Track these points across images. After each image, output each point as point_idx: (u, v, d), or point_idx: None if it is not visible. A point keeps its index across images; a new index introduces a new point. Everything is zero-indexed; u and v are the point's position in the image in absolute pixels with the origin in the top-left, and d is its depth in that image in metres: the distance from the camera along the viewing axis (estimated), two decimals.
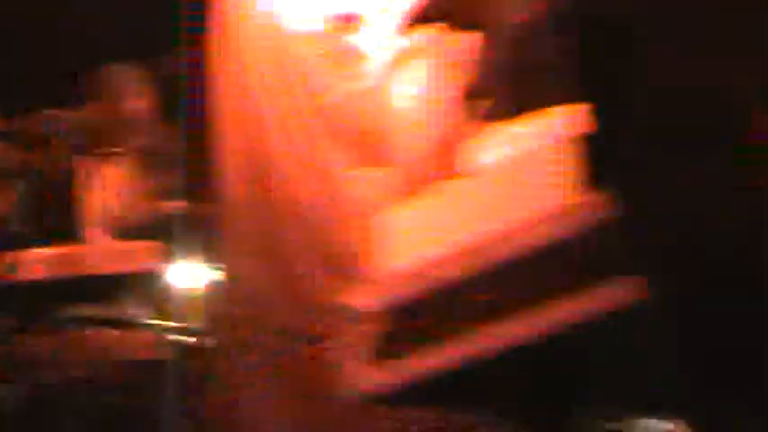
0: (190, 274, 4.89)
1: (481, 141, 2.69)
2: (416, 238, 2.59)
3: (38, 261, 4.73)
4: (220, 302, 3.36)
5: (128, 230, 5.02)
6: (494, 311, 2.38)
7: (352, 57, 2.96)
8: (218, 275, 3.81)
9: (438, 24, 2.90)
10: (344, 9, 2.98)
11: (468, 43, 2.83)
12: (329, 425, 2.90)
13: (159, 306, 5.01)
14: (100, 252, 4.81)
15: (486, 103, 2.83)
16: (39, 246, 4.87)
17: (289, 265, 3.02)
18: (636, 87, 2.32)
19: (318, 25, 3.00)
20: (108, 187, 4.89)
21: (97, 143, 4.81)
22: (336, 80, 2.98)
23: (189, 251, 4.87)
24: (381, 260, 2.76)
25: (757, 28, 2.66)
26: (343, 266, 2.92)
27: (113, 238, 4.98)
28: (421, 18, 2.91)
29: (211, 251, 4.00)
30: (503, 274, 2.37)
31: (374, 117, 2.90)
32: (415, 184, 2.80)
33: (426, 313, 2.53)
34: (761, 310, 2.37)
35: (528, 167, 2.36)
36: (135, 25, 4.46)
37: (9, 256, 4.75)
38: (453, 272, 2.45)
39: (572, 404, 2.83)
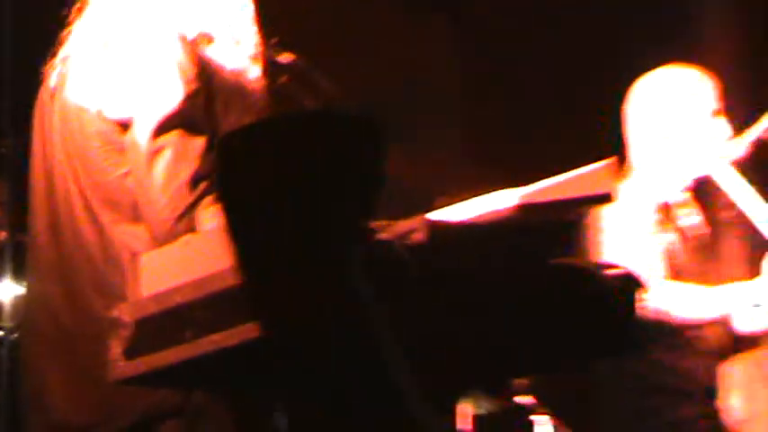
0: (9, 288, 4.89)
1: (206, 212, 2.77)
2: (162, 273, 2.61)
3: None
4: (27, 311, 3.36)
5: None
6: (207, 326, 2.45)
7: (124, 148, 3.00)
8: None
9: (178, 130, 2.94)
10: (120, 115, 2.99)
11: (198, 146, 2.92)
12: (102, 400, 2.95)
13: None
14: None
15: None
16: None
17: (74, 287, 3.03)
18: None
19: (102, 126, 3.02)
20: None
21: None
22: (111, 164, 3.01)
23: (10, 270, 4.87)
24: (139, 286, 2.73)
25: None
26: (113, 290, 2.94)
27: None
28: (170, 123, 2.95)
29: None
30: (212, 301, 2.43)
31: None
32: (165, 237, 2.88)
33: (166, 324, 2.54)
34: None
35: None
36: None
37: None
38: (184, 297, 2.49)
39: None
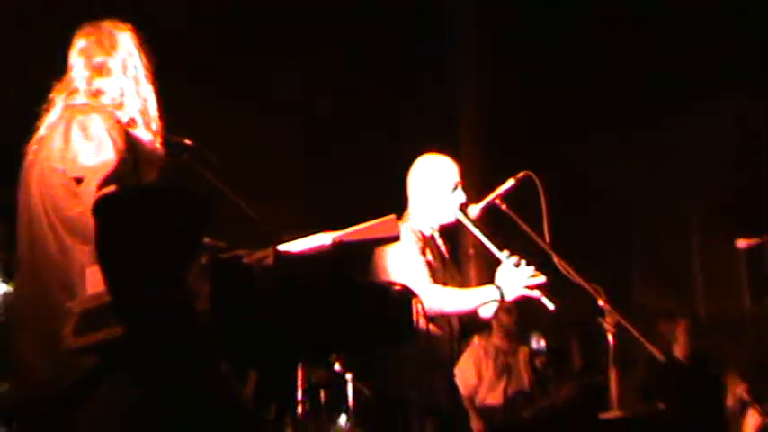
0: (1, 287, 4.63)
1: None
2: (101, 279, 2.46)
3: None
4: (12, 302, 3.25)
5: None
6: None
7: (79, 195, 2.92)
8: None
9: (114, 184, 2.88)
10: (77, 174, 2.92)
11: None
12: (59, 363, 2.82)
13: None
14: None
15: None
16: None
17: (43, 287, 2.94)
18: None
19: (64, 181, 2.95)
20: None
21: None
22: (71, 205, 2.94)
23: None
24: (86, 287, 2.68)
25: None
26: (71, 288, 2.86)
27: None
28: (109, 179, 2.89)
29: None
30: None
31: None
32: None
33: (101, 314, 2.49)
34: None
35: None
36: None
37: None
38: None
39: None
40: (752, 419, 5.95)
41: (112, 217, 2.34)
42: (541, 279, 3.94)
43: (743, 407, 6.00)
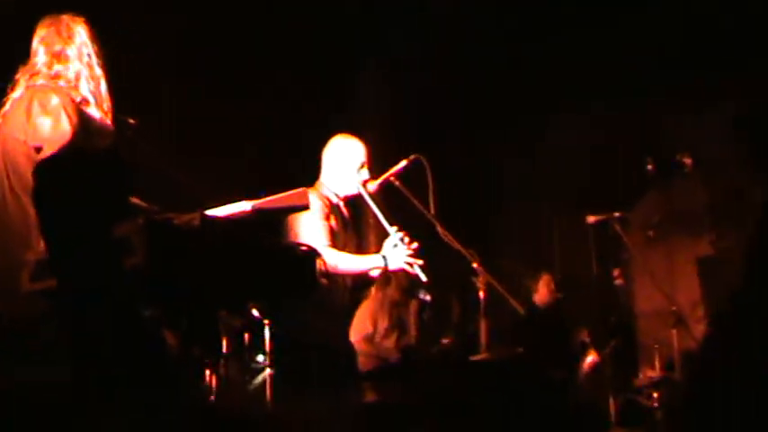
0: None
1: None
2: None
3: None
4: None
5: None
6: None
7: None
8: None
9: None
10: (36, 143, 2.93)
11: None
12: (20, 304, 2.77)
13: None
14: None
15: None
16: None
17: (4, 239, 2.94)
18: None
19: (25, 149, 2.96)
20: None
21: None
22: (31, 170, 2.85)
23: None
24: (41, 241, 2.66)
25: None
26: (28, 241, 2.84)
27: None
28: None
29: None
30: None
31: None
32: None
33: None
34: None
35: None
36: None
37: None
38: None
39: None
40: (589, 358, 6.26)
41: (49, 179, 2.35)
42: (419, 262, 4.01)
43: (583, 348, 6.30)
